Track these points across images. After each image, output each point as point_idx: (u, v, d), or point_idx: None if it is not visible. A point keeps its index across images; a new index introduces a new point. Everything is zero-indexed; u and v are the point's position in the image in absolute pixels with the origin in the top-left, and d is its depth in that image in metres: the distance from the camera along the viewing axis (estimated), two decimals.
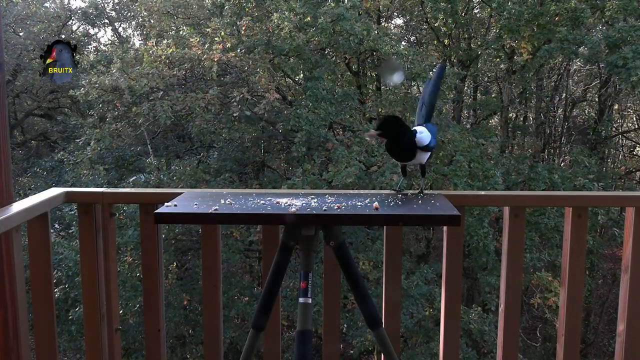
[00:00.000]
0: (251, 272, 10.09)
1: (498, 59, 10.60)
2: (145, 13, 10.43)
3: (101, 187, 7.23)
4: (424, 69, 8.08)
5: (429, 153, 1.71)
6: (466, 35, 10.73)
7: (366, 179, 7.47)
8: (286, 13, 7.70)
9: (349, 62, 9.48)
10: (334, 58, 9.38)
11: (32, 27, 11.69)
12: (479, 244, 7.52)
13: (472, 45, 10.61)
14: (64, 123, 11.54)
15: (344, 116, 8.51)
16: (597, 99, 11.35)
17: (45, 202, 1.74)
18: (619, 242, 9.44)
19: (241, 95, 7.61)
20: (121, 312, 6.72)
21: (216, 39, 7.99)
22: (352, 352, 8.11)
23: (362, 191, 1.79)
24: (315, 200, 1.56)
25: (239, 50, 7.81)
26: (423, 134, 1.68)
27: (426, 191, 1.74)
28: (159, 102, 7.49)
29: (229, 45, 7.81)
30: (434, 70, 8.92)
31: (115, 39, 13.17)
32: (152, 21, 10.56)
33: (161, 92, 7.82)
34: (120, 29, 13.62)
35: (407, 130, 1.64)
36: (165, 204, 1.52)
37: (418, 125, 1.75)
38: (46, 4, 12.94)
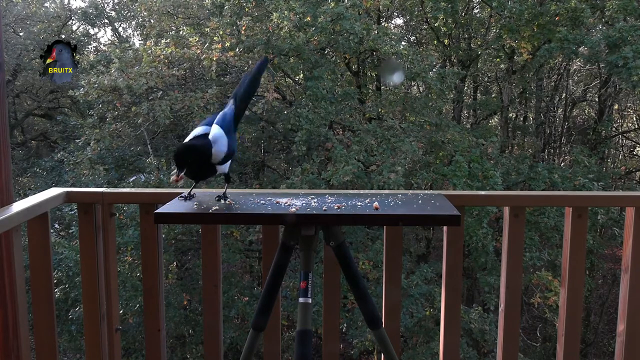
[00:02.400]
0: (251, 272, 10.09)
1: (498, 59, 10.60)
2: (145, 13, 10.44)
3: (101, 187, 7.22)
4: (424, 69, 8.07)
5: (230, 161, 1.54)
6: (466, 35, 10.74)
7: (365, 178, 7.47)
8: (286, 12, 7.69)
9: (349, 62, 9.48)
10: (333, 58, 9.38)
11: (32, 27, 11.70)
12: (479, 244, 7.52)
13: (472, 45, 10.62)
14: (64, 123, 11.53)
15: (344, 116, 8.51)
16: (597, 99, 11.35)
17: (45, 202, 1.74)
18: (619, 242, 9.43)
19: None
20: (121, 312, 6.71)
21: (215, 38, 7.99)
22: (352, 352, 8.11)
23: (362, 191, 1.79)
24: (315, 200, 1.56)
25: (237, 50, 7.80)
26: (217, 143, 1.47)
27: (426, 191, 1.72)
28: (158, 102, 7.48)
29: (227, 44, 7.80)
30: (433, 69, 8.91)
31: (115, 39, 13.17)
32: (152, 21, 10.56)
33: (160, 92, 7.81)
34: (120, 29, 13.62)
35: (202, 154, 1.45)
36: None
37: (216, 123, 1.52)
38: (46, 4, 12.95)
